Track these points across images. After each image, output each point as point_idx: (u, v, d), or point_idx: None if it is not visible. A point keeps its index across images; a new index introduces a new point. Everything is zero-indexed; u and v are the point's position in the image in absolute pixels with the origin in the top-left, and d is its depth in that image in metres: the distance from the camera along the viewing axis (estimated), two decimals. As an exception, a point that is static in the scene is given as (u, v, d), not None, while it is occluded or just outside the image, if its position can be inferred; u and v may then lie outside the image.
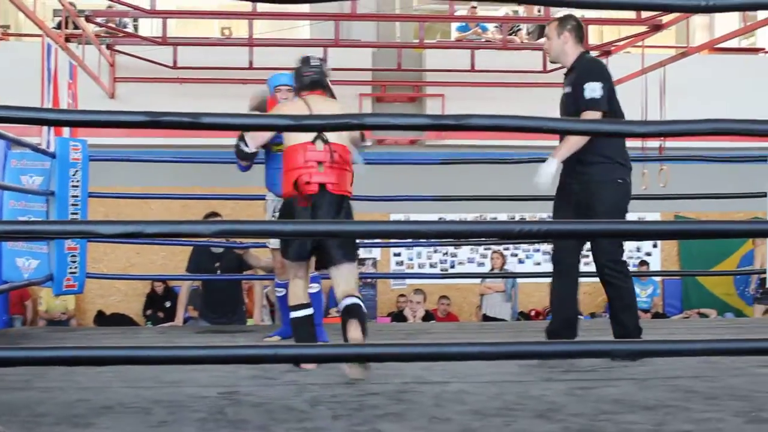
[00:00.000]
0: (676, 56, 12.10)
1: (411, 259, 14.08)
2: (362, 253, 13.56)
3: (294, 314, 5.08)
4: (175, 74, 12.90)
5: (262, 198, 6.68)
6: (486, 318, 12.13)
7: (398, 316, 12.55)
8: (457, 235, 3.56)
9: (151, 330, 9.39)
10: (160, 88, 12.78)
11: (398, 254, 13.94)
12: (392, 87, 13.91)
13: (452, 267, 14.08)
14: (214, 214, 9.08)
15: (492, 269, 12.74)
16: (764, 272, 8.36)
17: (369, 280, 13.12)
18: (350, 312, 4.70)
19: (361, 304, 4.78)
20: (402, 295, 13.00)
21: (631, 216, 5.54)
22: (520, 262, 14.11)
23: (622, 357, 4.70)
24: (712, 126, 3.09)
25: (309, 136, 4.96)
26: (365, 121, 3.09)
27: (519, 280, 12.97)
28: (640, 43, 12.43)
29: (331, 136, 5.00)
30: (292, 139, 5.05)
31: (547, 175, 5.08)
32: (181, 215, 12.37)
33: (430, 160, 10.02)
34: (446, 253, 14.10)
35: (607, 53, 12.91)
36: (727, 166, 10.89)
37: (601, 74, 5.27)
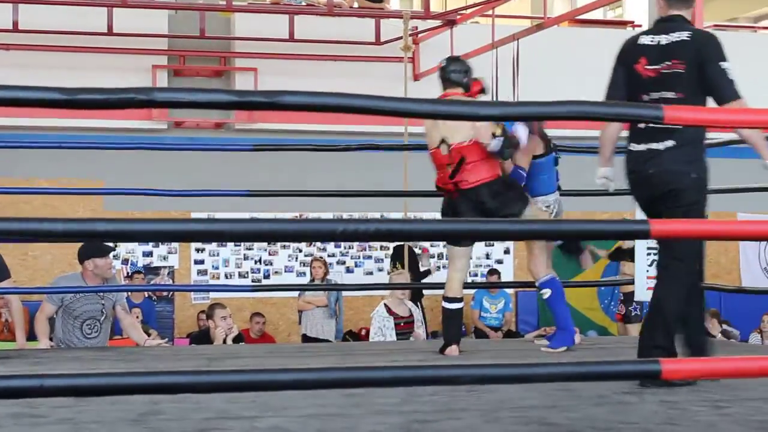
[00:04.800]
0: (531, 28, 12.38)
1: (216, 268, 13.96)
2: (156, 261, 13.39)
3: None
4: None
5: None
6: (306, 339, 12.13)
7: (200, 337, 12.38)
8: (268, 236, 3.47)
9: None
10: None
11: (201, 261, 13.81)
12: (193, 58, 13.78)
13: (266, 277, 14.03)
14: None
15: (312, 280, 12.76)
16: (630, 283, 8.65)
17: (165, 293, 12.96)
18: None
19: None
20: (203, 312, 12.83)
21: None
22: (348, 271, 14.19)
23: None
24: (569, 109, 3.03)
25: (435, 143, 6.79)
26: (155, 97, 2.89)
27: (345, 294, 13.02)
28: (489, 12, 12.67)
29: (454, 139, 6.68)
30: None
31: None
32: None
33: (239, 147, 9.94)
34: (259, 261, 14.05)
35: (452, 23, 13.11)
36: (591, 159, 11.21)
37: None
